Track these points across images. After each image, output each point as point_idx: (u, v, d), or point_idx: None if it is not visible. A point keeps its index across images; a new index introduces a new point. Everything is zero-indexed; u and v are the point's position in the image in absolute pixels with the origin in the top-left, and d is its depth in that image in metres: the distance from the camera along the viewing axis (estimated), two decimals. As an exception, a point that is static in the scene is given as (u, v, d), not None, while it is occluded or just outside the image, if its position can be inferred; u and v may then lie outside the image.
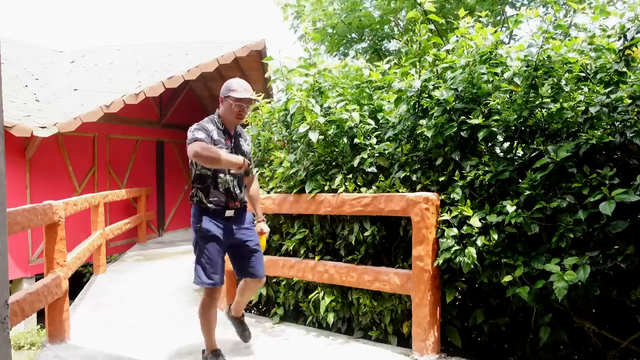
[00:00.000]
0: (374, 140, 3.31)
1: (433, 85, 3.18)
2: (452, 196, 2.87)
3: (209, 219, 2.79)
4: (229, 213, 2.84)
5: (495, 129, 2.86)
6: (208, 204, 2.79)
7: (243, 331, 3.31)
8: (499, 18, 10.46)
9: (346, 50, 11.45)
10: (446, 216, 2.84)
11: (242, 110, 2.83)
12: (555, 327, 2.66)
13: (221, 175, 2.80)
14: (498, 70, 3.01)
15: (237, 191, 2.88)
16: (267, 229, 3.11)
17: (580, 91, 2.87)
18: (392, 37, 10.84)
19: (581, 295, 2.43)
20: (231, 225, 2.87)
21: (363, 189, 3.27)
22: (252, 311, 4.32)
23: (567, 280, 2.29)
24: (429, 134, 3.01)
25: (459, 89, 3.02)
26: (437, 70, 3.24)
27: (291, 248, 3.70)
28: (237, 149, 2.88)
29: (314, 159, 3.69)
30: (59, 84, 9.06)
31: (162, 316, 4.21)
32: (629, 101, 2.56)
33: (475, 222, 2.67)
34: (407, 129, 3.31)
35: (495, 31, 3.14)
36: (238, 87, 2.82)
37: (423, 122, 3.12)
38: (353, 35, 10.82)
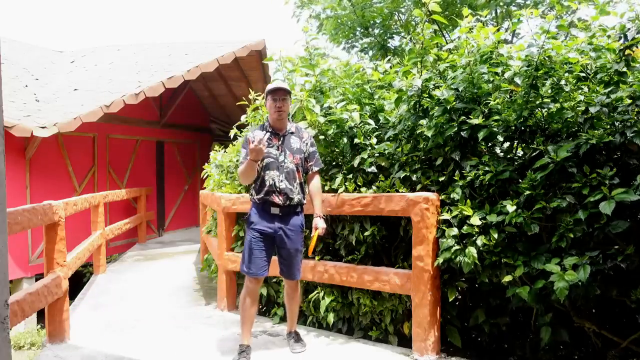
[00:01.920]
0: (374, 140, 3.31)
1: (434, 84, 3.18)
2: (452, 196, 2.86)
3: (255, 212, 3.03)
4: (274, 210, 2.98)
5: (495, 129, 2.86)
6: (257, 200, 3.01)
7: (291, 348, 3.21)
8: (504, 18, 10.45)
9: (354, 43, 11.38)
10: (446, 216, 2.84)
11: (277, 103, 2.96)
12: (556, 327, 2.66)
13: (267, 172, 2.96)
14: (499, 70, 3.01)
15: (283, 186, 2.95)
16: (321, 225, 3.00)
17: (580, 91, 2.87)
18: (398, 33, 10.82)
19: (581, 295, 2.43)
20: (276, 222, 2.99)
21: (363, 189, 3.27)
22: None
23: (568, 280, 2.29)
24: (429, 134, 3.01)
25: (460, 89, 3.02)
26: (438, 69, 3.24)
27: (291, 248, 3.70)
28: (284, 146, 3.01)
29: (314, 159, 3.69)
30: (59, 84, 9.06)
31: (162, 316, 4.21)
32: (629, 101, 2.56)
33: (476, 221, 2.67)
34: (408, 129, 3.31)
35: (497, 30, 3.14)
36: (270, 85, 3.02)
37: (423, 122, 3.12)
38: (361, 29, 10.78)
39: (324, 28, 10.87)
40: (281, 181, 2.95)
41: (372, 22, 10.49)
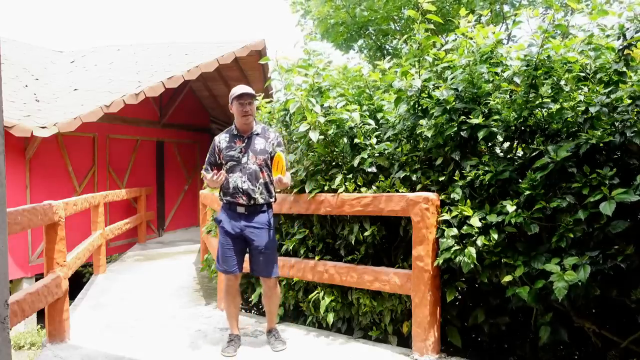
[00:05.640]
0: (374, 140, 3.30)
1: (433, 85, 3.18)
2: (452, 196, 2.86)
3: (222, 211, 3.19)
4: (240, 209, 3.10)
5: (495, 129, 2.86)
6: (224, 200, 3.17)
7: (273, 347, 3.23)
8: (498, 17, 10.47)
9: (351, 44, 11.47)
10: (446, 216, 2.83)
11: (244, 107, 3.08)
12: (555, 327, 2.66)
13: (230, 174, 3.11)
14: (498, 69, 3.01)
15: (246, 187, 3.06)
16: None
17: (580, 91, 2.87)
18: (395, 32, 10.87)
19: (581, 295, 2.43)
20: (242, 221, 3.11)
21: (363, 189, 3.27)
22: (252, 311, 4.32)
23: (567, 280, 2.29)
24: (429, 133, 3.00)
25: (459, 89, 3.02)
26: (437, 70, 3.23)
27: (291, 248, 3.70)
28: (248, 148, 3.13)
29: (314, 159, 3.69)
30: (59, 84, 9.06)
31: (163, 316, 4.21)
32: (629, 101, 2.56)
33: (476, 222, 2.67)
34: (407, 129, 3.30)
35: (495, 31, 3.14)
36: (236, 90, 3.12)
37: (423, 122, 3.12)
38: (355, 28, 10.86)
39: (314, 29, 11.03)
40: (244, 182, 3.07)
41: (367, 21, 10.55)
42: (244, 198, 3.06)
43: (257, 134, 3.17)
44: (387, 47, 11.34)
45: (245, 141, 3.13)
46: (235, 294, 3.23)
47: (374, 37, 10.93)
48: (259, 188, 3.09)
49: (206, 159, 3.30)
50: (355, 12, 10.19)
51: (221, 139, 3.20)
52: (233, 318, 3.28)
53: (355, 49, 11.60)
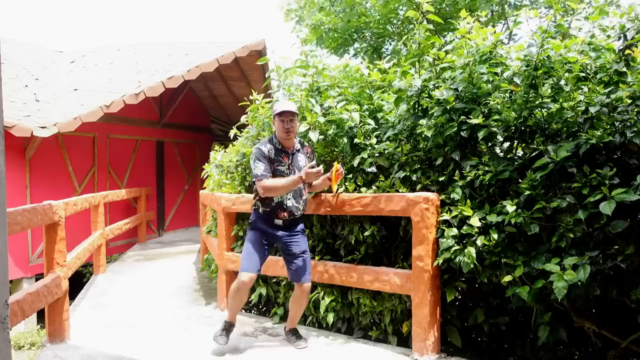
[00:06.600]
0: (374, 140, 3.30)
1: (433, 85, 3.18)
2: (452, 196, 2.86)
3: (257, 219, 3.16)
4: (278, 222, 3.12)
5: (495, 129, 2.86)
6: (261, 212, 3.14)
7: (295, 345, 3.28)
8: (501, 17, 10.48)
9: (346, 49, 11.52)
10: (446, 216, 2.84)
11: (285, 124, 3.03)
12: (555, 327, 2.66)
13: None
14: (498, 70, 3.01)
15: (290, 204, 3.09)
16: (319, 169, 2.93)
17: (580, 91, 2.86)
18: (392, 34, 10.87)
19: (581, 295, 2.43)
20: (278, 231, 3.13)
21: (363, 189, 3.27)
22: (252, 311, 4.32)
23: (567, 279, 2.29)
24: (429, 133, 3.01)
25: (459, 89, 3.02)
26: (436, 70, 3.23)
27: (291, 248, 3.70)
28: (293, 165, 3.12)
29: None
30: (59, 84, 9.06)
31: (163, 316, 4.21)
32: (629, 101, 2.56)
33: (475, 222, 2.67)
34: (407, 129, 3.30)
35: (495, 32, 3.14)
36: (279, 105, 3.08)
37: (423, 122, 3.12)
38: (352, 32, 10.90)
39: (307, 36, 11.09)
40: (289, 199, 3.09)
41: (362, 25, 10.58)
42: (285, 214, 3.09)
43: (298, 150, 3.19)
44: (384, 49, 11.36)
45: (290, 158, 3.13)
46: (243, 295, 3.19)
47: (370, 40, 10.95)
48: (301, 204, 3.15)
49: (262, 166, 3.00)
50: (346, 20, 10.26)
51: (269, 149, 3.08)
52: (236, 309, 3.25)
53: (350, 52, 11.65)
